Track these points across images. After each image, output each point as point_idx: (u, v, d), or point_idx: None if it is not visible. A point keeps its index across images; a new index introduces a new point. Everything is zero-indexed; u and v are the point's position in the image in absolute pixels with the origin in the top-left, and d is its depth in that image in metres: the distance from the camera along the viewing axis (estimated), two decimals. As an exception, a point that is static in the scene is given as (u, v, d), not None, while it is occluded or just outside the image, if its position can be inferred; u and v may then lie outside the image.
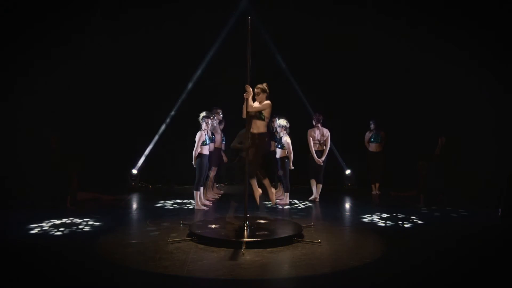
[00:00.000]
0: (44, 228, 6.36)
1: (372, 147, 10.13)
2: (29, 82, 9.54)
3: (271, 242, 5.64)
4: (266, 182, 6.44)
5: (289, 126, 8.62)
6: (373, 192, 10.19)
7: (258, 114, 6.04)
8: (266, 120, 6.13)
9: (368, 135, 10.22)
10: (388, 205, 8.69)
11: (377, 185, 10.19)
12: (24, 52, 9.33)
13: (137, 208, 8.41)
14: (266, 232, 5.93)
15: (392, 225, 6.94)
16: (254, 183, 6.27)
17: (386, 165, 10.13)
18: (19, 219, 6.91)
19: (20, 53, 9.29)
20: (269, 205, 8.51)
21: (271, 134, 9.62)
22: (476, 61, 9.54)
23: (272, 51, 10.38)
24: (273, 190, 6.75)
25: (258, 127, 6.08)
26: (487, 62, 9.30)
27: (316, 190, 9.10)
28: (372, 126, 10.09)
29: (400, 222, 7.12)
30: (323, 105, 10.75)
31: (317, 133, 9.01)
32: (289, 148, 8.41)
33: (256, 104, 6.04)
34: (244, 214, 5.94)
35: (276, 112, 9.16)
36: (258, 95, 6.07)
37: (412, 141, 10.23)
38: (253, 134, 6.07)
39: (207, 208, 8.07)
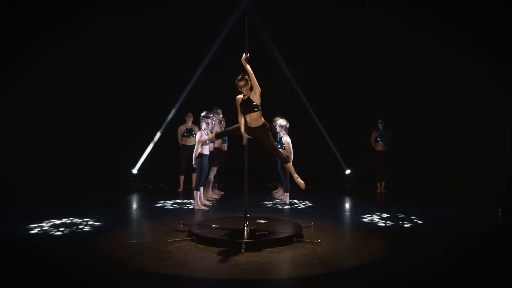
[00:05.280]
0: (44, 228, 6.36)
1: (379, 146, 10.16)
2: (28, 82, 9.54)
3: (271, 242, 5.64)
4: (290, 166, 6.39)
5: (289, 127, 8.64)
6: (378, 191, 10.22)
7: (251, 106, 5.78)
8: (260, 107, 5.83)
9: (374, 134, 10.24)
10: (391, 204, 8.71)
11: (383, 183, 10.23)
12: (23, 51, 9.35)
13: (137, 208, 8.40)
14: (266, 232, 5.93)
15: (392, 225, 6.93)
16: (291, 166, 6.31)
17: (391, 164, 10.16)
18: (19, 219, 6.90)
19: (18, 53, 9.30)
20: (269, 205, 8.52)
21: (273, 134, 9.62)
22: (476, 58, 9.52)
23: (272, 50, 10.37)
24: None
25: (256, 119, 5.84)
26: (487, 60, 9.30)
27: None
28: (380, 125, 10.12)
29: (400, 222, 7.12)
30: (323, 105, 10.76)
31: None
32: (289, 148, 8.40)
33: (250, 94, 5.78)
34: (244, 214, 5.94)
35: (276, 112, 9.21)
36: (244, 88, 5.71)
37: (415, 141, 10.27)
38: (252, 128, 5.89)
39: (207, 208, 8.06)
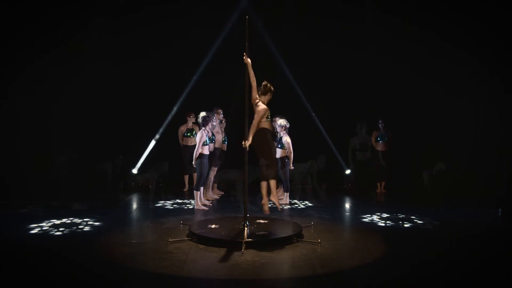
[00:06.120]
0: (44, 228, 6.36)
1: (379, 146, 10.18)
2: (29, 82, 9.54)
3: (271, 242, 5.64)
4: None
5: (289, 126, 8.64)
6: (378, 191, 10.22)
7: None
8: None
9: (374, 134, 10.26)
10: (391, 204, 8.70)
11: (383, 183, 10.23)
12: (23, 51, 9.34)
13: (137, 208, 8.40)
14: (266, 232, 5.93)
15: (392, 225, 6.93)
16: (274, 185, 6.30)
17: (391, 164, 10.16)
18: (19, 219, 6.90)
19: (19, 52, 9.29)
20: (269, 205, 8.50)
21: (273, 134, 9.61)
22: (476, 59, 9.51)
23: (272, 50, 10.37)
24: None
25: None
26: (487, 61, 9.29)
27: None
28: (381, 125, 10.13)
29: (400, 222, 7.12)
30: (323, 105, 10.76)
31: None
32: (289, 148, 8.41)
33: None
34: (244, 214, 5.94)
35: (276, 112, 9.21)
36: (266, 94, 6.06)
37: (415, 141, 10.27)
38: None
39: (207, 208, 8.06)
